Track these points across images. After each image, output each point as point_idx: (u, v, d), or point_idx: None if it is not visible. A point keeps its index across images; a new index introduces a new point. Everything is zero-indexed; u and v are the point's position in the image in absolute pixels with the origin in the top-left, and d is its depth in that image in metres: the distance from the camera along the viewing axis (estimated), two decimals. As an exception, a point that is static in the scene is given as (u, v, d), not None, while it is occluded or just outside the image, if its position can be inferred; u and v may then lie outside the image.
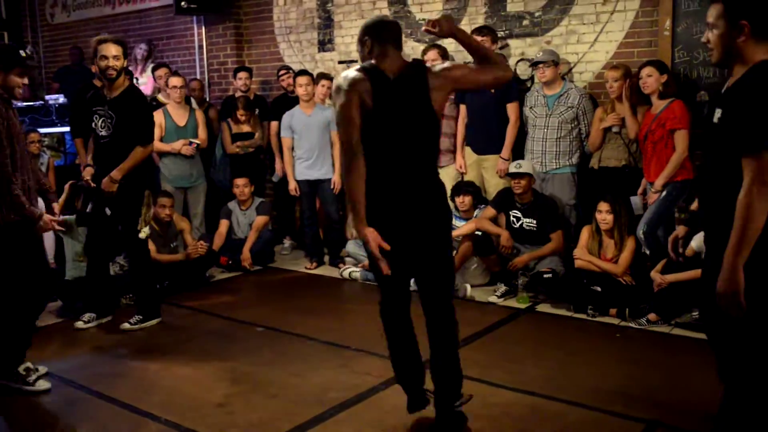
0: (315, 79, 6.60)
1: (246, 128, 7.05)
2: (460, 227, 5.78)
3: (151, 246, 5.88)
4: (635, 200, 5.30)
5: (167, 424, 3.52)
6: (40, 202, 4.27)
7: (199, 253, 6.05)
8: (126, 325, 4.94)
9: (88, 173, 5.14)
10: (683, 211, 5.30)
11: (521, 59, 6.22)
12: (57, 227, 4.17)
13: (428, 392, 3.34)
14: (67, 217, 5.39)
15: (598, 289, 5.04)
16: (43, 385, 3.95)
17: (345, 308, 5.51)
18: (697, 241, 4.83)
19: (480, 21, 6.34)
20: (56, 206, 4.35)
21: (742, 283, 2.42)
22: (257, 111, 7.24)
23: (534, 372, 4.05)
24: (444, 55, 6.21)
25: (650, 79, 5.04)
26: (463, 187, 5.89)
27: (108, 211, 4.88)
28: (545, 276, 5.32)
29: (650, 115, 5.13)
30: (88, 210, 5.34)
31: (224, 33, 8.12)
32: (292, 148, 6.67)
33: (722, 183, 2.53)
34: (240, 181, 6.74)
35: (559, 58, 5.76)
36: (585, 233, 5.31)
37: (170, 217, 6.12)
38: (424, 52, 6.27)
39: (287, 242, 7.40)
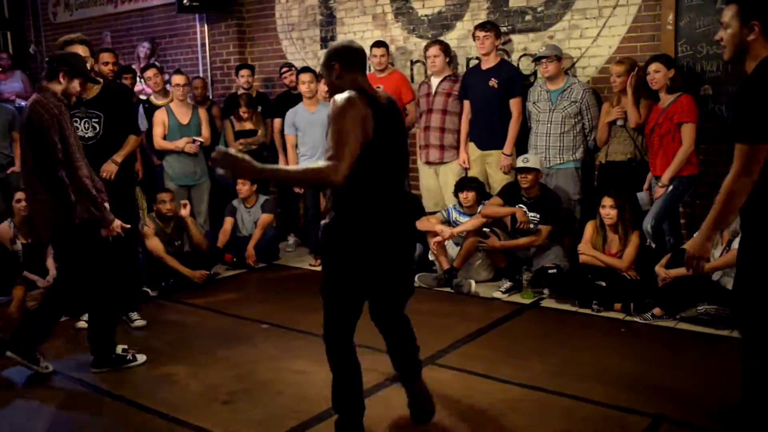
0: (318, 77, 6.60)
1: (249, 126, 7.05)
2: (464, 223, 5.78)
3: (159, 245, 5.91)
4: (642, 196, 5.29)
5: (173, 421, 3.53)
6: None
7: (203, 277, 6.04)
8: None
9: None
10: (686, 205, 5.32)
11: (524, 54, 6.21)
12: (120, 232, 4.24)
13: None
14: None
15: (603, 284, 5.04)
16: (141, 357, 4.30)
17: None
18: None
19: (482, 16, 6.33)
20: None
21: (709, 251, 2.96)
22: (260, 108, 7.24)
23: (539, 367, 4.05)
24: (446, 51, 6.21)
25: (658, 75, 5.03)
26: (467, 182, 5.89)
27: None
28: (550, 271, 5.32)
29: (657, 108, 5.12)
30: None
31: (227, 31, 8.12)
32: (296, 146, 6.68)
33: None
34: (241, 179, 6.74)
35: (562, 53, 5.76)
36: (589, 228, 5.31)
37: (172, 212, 6.12)
38: (426, 48, 6.27)
39: (291, 239, 7.41)
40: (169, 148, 6.62)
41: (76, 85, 4.07)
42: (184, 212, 6.16)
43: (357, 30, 7.20)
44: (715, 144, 5.27)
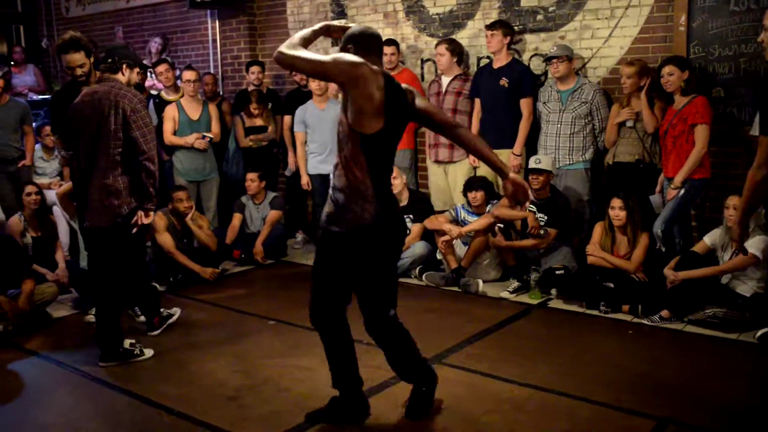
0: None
1: (259, 122, 7.07)
2: (473, 222, 5.77)
3: (169, 239, 5.92)
4: (655, 198, 5.27)
5: (179, 416, 3.55)
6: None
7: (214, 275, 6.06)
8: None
9: None
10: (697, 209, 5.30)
11: (535, 54, 6.19)
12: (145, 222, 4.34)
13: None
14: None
15: (611, 285, 5.03)
16: (148, 352, 4.34)
17: (356, 302, 5.49)
18: (711, 238, 4.82)
19: (494, 16, 6.31)
20: None
21: (746, 231, 3.30)
22: (270, 105, 7.25)
23: (546, 368, 4.04)
24: (453, 50, 6.16)
25: (672, 78, 5.00)
26: (475, 182, 5.87)
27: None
28: (557, 272, 5.31)
29: (672, 110, 5.10)
30: None
31: (238, 27, 8.14)
32: (305, 143, 6.69)
33: None
34: (250, 175, 6.73)
35: (573, 53, 5.73)
36: (598, 229, 5.29)
37: (190, 210, 6.08)
38: (437, 46, 6.26)
39: (300, 236, 7.42)
40: (178, 143, 6.65)
41: (135, 75, 4.28)
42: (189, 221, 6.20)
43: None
44: (726, 146, 5.25)
